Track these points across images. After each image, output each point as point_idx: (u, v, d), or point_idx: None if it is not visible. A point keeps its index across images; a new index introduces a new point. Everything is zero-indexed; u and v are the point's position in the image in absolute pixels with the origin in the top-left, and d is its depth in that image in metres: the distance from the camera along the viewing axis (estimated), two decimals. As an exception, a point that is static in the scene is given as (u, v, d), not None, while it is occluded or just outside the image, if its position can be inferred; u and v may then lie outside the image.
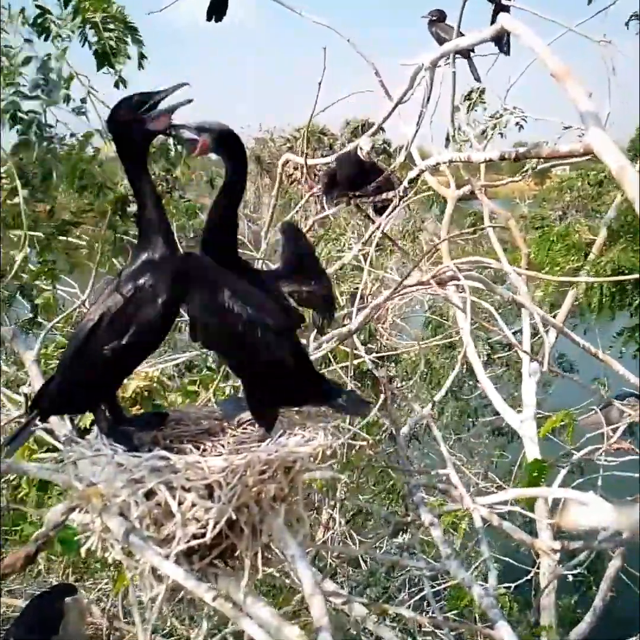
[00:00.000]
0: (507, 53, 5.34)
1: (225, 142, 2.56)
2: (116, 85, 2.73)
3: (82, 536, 2.48)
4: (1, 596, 5.48)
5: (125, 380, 3.82)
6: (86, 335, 2.47)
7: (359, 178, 5.17)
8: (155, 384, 4.17)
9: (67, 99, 2.55)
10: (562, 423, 5.09)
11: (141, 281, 2.44)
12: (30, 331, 4.93)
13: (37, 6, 2.54)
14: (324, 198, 5.50)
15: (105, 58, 2.64)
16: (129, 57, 2.73)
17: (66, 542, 3.18)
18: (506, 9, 4.08)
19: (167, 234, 2.54)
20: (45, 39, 2.54)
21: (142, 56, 2.80)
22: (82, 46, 2.64)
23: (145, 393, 4.02)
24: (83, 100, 2.60)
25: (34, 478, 3.73)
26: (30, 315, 4.65)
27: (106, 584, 6.42)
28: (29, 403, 2.78)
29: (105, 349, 2.43)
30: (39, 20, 2.51)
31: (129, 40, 2.69)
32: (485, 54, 5.80)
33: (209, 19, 5.24)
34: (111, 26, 2.59)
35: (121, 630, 5.67)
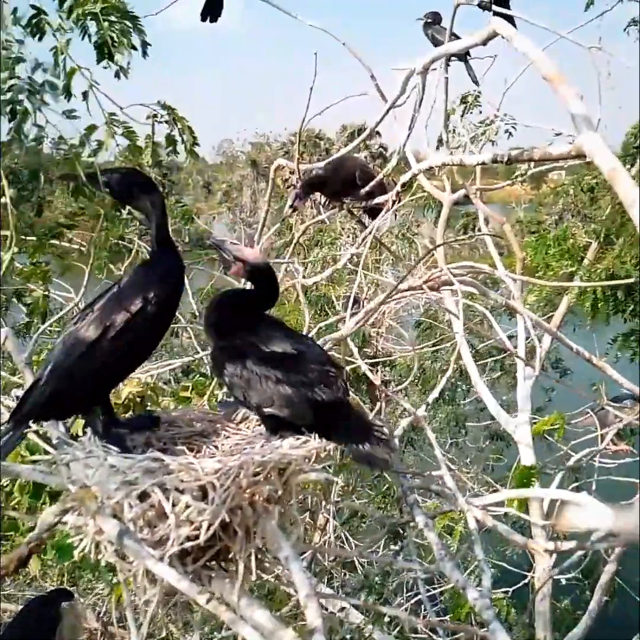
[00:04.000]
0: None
1: (256, 275, 2.88)
2: (117, 76, 2.70)
3: (76, 538, 2.47)
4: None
5: (120, 386, 3.84)
6: (90, 345, 2.49)
7: (348, 186, 5.17)
8: (148, 391, 4.18)
9: (68, 93, 2.54)
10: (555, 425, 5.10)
11: (150, 294, 2.50)
12: (27, 335, 4.94)
13: (32, 6, 2.52)
14: (293, 198, 5.39)
15: (105, 49, 2.60)
16: (135, 48, 2.70)
17: (61, 548, 3.19)
18: (502, 15, 4.08)
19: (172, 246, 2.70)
20: (40, 39, 2.53)
21: (145, 44, 2.76)
22: (82, 39, 2.61)
23: (139, 399, 4.03)
24: (85, 94, 2.59)
25: (27, 485, 3.71)
26: (26, 319, 4.65)
27: (102, 589, 6.41)
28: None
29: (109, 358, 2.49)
30: (34, 21, 2.49)
31: (132, 31, 2.66)
32: (482, 56, 5.79)
33: (203, 19, 5.20)
34: (112, 18, 2.56)
35: (115, 635, 5.65)
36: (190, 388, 4.62)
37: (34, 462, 3.16)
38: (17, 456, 3.63)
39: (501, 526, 3.02)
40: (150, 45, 2.77)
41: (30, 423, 2.62)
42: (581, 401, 6.10)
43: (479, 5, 4.47)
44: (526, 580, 6.57)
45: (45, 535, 2.53)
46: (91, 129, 2.72)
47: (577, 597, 7.08)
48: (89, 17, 2.55)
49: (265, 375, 2.62)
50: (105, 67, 2.65)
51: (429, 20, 5.90)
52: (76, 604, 3.77)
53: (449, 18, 4.85)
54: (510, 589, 6.58)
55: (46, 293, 4.06)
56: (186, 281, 6.24)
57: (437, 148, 5.14)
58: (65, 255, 4.15)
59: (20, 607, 5.11)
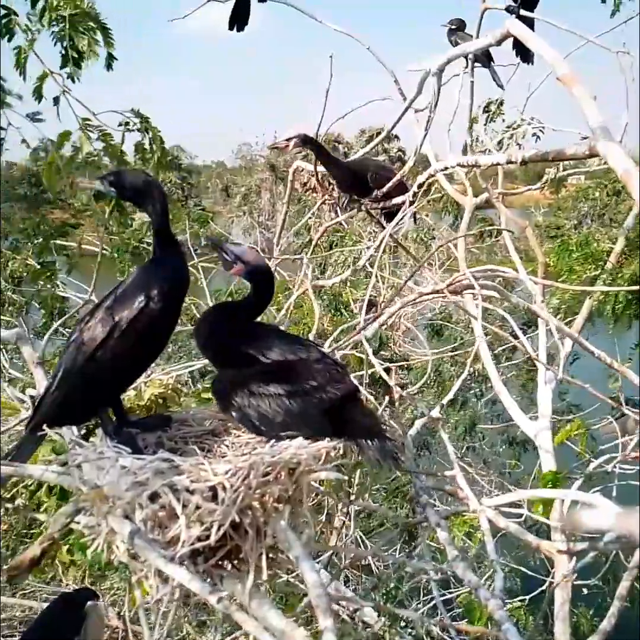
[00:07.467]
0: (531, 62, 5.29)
1: (256, 276, 2.88)
2: (72, 80, 2.70)
3: (88, 538, 2.48)
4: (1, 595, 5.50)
5: (142, 388, 3.87)
6: (97, 348, 2.51)
7: (350, 180, 5.10)
8: (169, 391, 4.21)
9: (39, 96, 2.56)
10: (577, 432, 5.05)
11: (153, 292, 2.51)
12: (44, 335, 4.98)
13: (3, 6, 2.54)
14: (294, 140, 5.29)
15: (70, 57, 2.60)
16: (110, 65, 2.71)
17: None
18: (528, 19, 4.08)
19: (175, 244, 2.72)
20: (9, 40, 2.55)
21: (111, 57, 2.77)
22: (54, 45, 2.62)
23: (160, 400, 4.05)
24: (56, 99, 2.61)
25: (54, 487, 3.73)
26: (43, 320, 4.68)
27: (121, 589, 6.43)
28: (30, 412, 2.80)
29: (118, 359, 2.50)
30: (4, 21, 2.50)
31: (99, 38, 2.66)
32: (505, 64, 5.76)
33: (231, 27, 5.26)
34: (82, 24, 2.55)
35: (137, 633, 5.66)
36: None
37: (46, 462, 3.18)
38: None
39: (513, 526, 2.99)
40: (116, 59, 2.79)
41: (45, 429, 2.64)
42: (596, 401, 6.04)
43: (507, 9, 4.47)
44: (544, 587, 6.52)
45: (57, 535, 2.54)
46: (65, 135, 2.74)
47: (599, 605, 7.02)
48: (61, 22, 2.56)
49: (273, 394, 2.61)
50: (69, 74, 2.65)
51: (454, 27, 5.91)
52: (100, 603, 3.80)
53: (476, 22, 4.85)
54: (524, 597, 6.54)
55: (54, 291, 4.08)
56: (204, 282, 6.29)
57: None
58: (74, 255, 4.18)
59: (42, 604, 5.15)
